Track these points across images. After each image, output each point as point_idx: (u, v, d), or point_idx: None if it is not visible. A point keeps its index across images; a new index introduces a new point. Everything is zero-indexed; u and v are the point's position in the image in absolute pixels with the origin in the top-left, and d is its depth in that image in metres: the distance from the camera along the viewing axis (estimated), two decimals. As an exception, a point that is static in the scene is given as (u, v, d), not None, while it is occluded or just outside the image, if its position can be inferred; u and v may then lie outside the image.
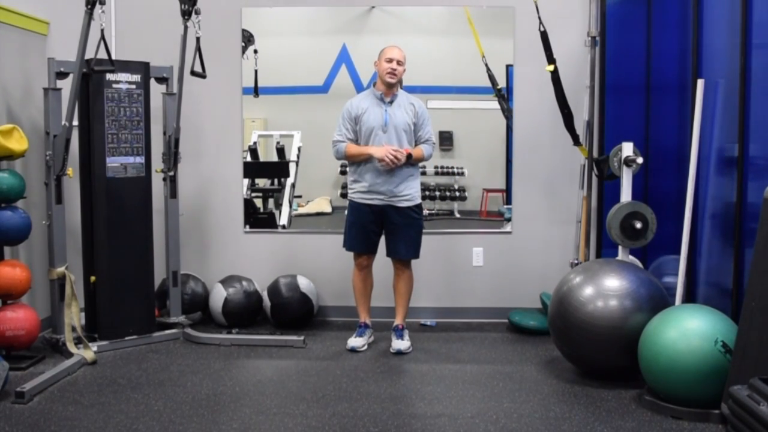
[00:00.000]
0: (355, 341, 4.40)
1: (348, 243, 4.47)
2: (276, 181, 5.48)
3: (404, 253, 4.41)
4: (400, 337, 4.40)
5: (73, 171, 4.24)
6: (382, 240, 4.45)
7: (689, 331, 3.26)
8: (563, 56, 4.68)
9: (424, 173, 4.57)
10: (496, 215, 5.29)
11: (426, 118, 4.42)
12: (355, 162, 4.39)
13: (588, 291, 3.70)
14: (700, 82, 3.71)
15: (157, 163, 4.65)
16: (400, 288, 4.47)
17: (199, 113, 5.04)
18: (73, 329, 4.18)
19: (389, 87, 4.34)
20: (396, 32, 5.11)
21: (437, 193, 5.35)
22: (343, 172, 5.26)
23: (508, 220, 5.14)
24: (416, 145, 4.39)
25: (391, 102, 4.35)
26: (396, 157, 4.21)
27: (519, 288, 5.05)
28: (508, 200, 5.16)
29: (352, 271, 4.52)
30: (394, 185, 4.31)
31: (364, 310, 4.52)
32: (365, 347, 4.41)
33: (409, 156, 4.27)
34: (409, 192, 4.36)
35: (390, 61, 4.30)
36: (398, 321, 4.46)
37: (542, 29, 4.41)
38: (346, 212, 4.54)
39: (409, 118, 4.35)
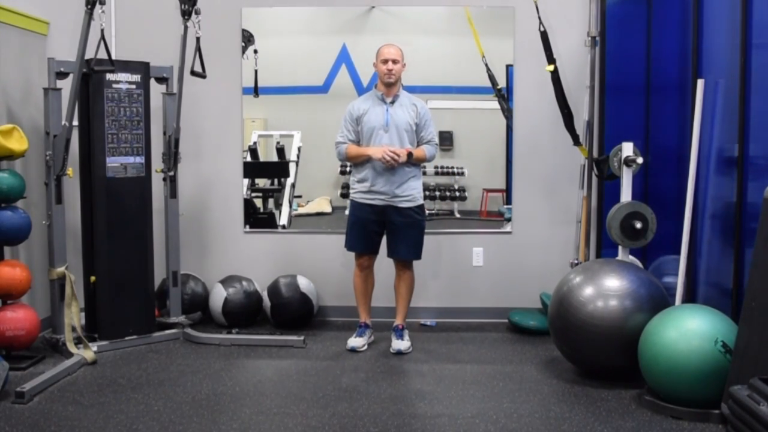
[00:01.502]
0: (355, 341, 4.40)
1: (349, 243, 4.46)
2: (276, 181, 5.48)
3: (405, 253, 4.41)
4: (400, 337, 4.40)
5: (73, 171, 4.24)
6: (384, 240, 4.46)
7: (689, 331, 3.26)
8: (563, 56, 4.69)
9: (424, 173, 4.56)
10: (496, 215, 5.29)
11: (428, 119, 4.41)
12: (356, 163, 4.40)
13: (588, 291, 3.70)
14: (700, 82, 3.71)
15: (157, 163, 4.65)
16: (401, 289, 4.47)
17: (199, 113, 5.04)
18: (73, 329, 4.18)
19: (389, 87, 4.34)
20: (396, 32, 5.10)
21: (437, 193, 5.35)
22: (342, 172, 5.26)
23: (508, 220, 5.14)
24: (418, 146, 4.39)
25: (392, 102, 4.35)
26: (393, 158, 4.22)
27: (519, 288, 5.04)
28: (508, 200, 5.16)
29: (353, 271, 4.52)
30: (395, 186, 4.31)
31: (364, 310, 4.52)
32: (365, 347, 4.41)
33: (409, 155, 4.27)
34: (411, 193, 4.35)
35: (385, 62, 4.30)
36: (398, 321, 4.46)
37: (542, 29, 4.41)
38: (346, 212, 4.53)
39: (411, 118, 4.35)
